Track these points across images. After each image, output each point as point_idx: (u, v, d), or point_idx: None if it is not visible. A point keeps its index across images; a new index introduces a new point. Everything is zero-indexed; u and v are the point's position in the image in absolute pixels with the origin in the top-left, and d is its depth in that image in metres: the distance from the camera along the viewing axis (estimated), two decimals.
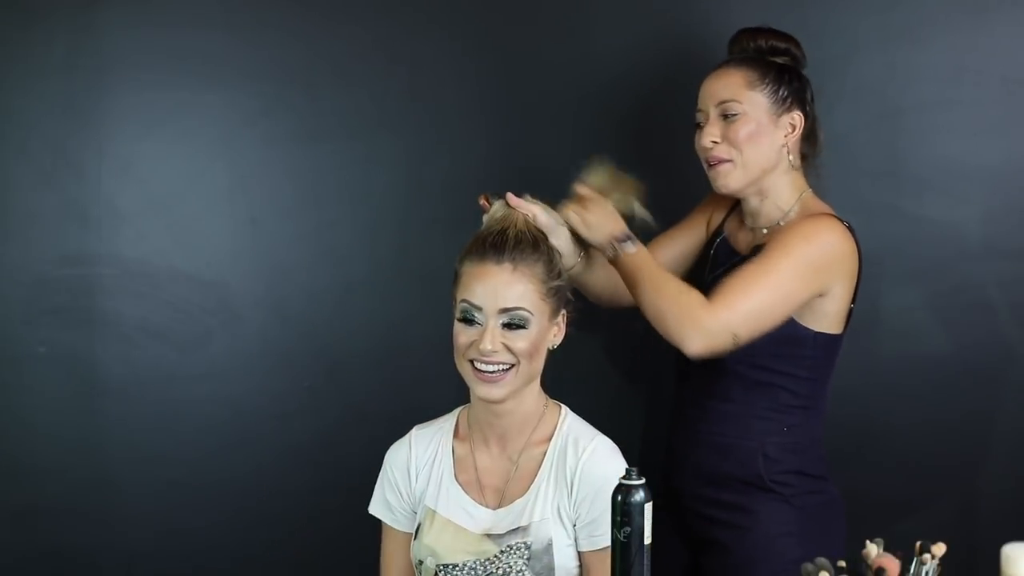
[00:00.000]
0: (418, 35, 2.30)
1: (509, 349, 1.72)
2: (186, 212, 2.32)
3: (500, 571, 1.74)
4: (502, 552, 1.75)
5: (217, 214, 2.34)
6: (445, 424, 1.89)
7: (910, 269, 2.29)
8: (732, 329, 1.82)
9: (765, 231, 1.98)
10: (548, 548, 1.74)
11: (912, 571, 1.42)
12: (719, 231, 2.09)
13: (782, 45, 1.99)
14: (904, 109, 2.27)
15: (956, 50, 2.26)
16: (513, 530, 1.76)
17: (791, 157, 1.97)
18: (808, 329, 1.92)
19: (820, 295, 1.90)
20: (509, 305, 1.72)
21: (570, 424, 1.82)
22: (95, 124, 2.29)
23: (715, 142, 1.94)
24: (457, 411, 1.90)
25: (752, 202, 2.00)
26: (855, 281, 1.95)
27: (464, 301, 1.74)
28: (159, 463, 2.33)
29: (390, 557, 1.90)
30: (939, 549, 1.42)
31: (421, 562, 1.81)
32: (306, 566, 2.38)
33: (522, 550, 1.74)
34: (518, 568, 1.74)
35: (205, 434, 2.34)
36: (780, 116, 1.95)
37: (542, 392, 1.84)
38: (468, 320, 1.74)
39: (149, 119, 2.30)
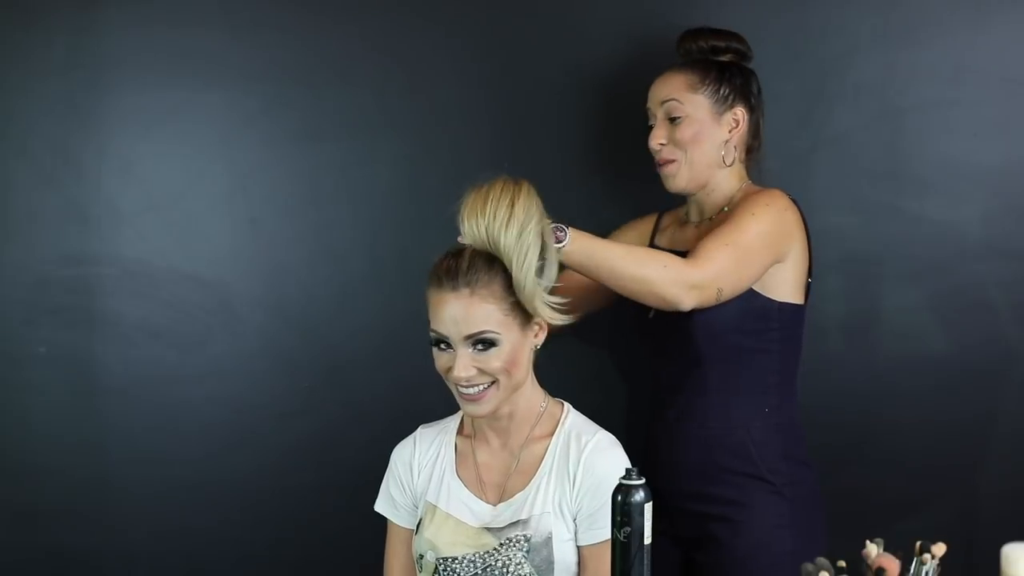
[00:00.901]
0: (418, 34, 2.30)
1: (484, 371, 1.74)
2: (186, 212, 2.32)
3: (500, 564, 1.75)
4: (501, 545, 1.76)
5: (217, 214, 2.34)
6: (450, 423, 1.93)
7: (910, 269, 2.29)
8: (718, 283, 1.88)
9: (708, 221, 2.04)
10: (547, 541, 1.75)
11: (912, 571, 1.42)
12: (654, 248, 2.12)
13: (722, 44, 2.05)
14: (904, 109, 2.27)
15: (956, 50, 2.26)
16: (513, 523, 1.77)
17: (736, 152, 2.04)
18: (772, 300, 1.97)
19: (779, 261, 1.96)
20: (473, 331, 1.72)
21: (572, 420, 1.84)
22: (95, 124, 2.29)
23: (662, 144, 2.02)
24: (462, 411, 1.91)
25: (697, 196, 2.06)
26: (808, 251, 2.02)
27: (433, 330, 1.76)
28: (159, 463, 2.34)
29: (393, 553, 1.92)
30: (939, 549, 1.42)
31: (422, 556, 1.83)
32: (306, 566, 2.38)
33: (521, 543, 1.75)
34: (517, 561, 1.75)
35: (205, 434, 2.34)
36: (722, 114, 2.01)
37: (539, 389, 1.85)
38: (440, 346, 1.76)
39: (149, 119, 2.30)
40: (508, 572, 1.74)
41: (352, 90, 2.31)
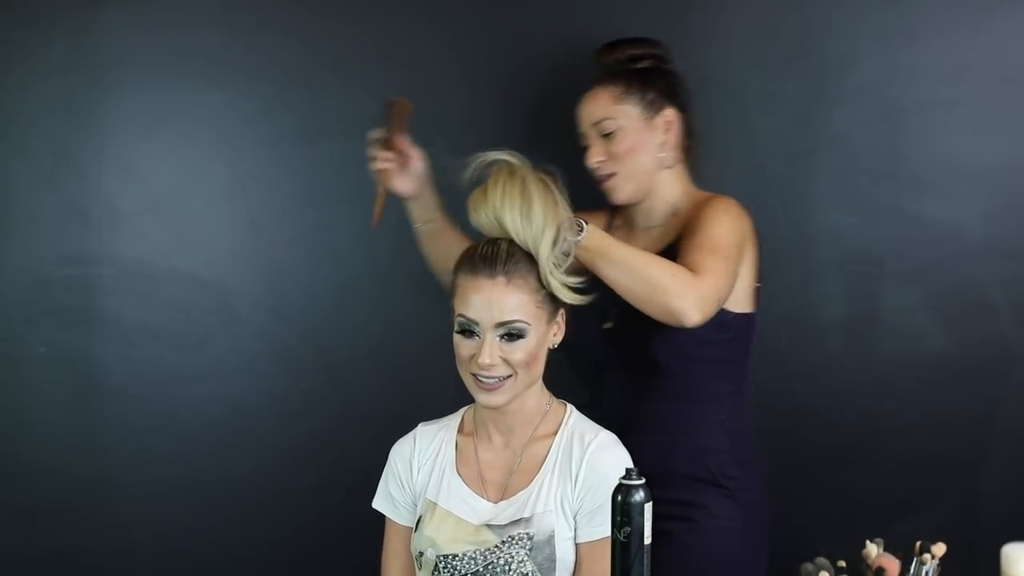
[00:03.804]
0: (418, 35, 2.31)
1: (507, 361, 1.74)
2: (186, 212, 2.32)
3: (502, 561, 1.75)
4: (503, 543, 1.76)
5: (217, 214, 2.34)
6: (451, 421, 1.92)
7: (910, 269, 2.29)
8: (718, 294, 1.85)
9: (658, 227, 2.03)
10: (550, 540, 1.75)
11: (912, 571, 1.42)
12: None
13: (639, 52, 2.04)
14: (904, 109, 2.27)
15: (956, 50, 2.25)
16: (515, 521, 1.77)
17: (674, 153, 2.02)
18: (728, 311, 1.95)
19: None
20: (505, 319, 1.73)
21: (575, 420, 1.85)
22: (95, 124, 2.29)
23: (600, 161, 2.01)
24: (463, 410, 1.92)
25: (644, 203, 2.05)
26: (757, 258, 2.00)
27: (461, 315, 1.75)
28: (159, 463, 2.34)
29: (392, 551, 1.92)
30: (939, 549, 1.43)
31: (421, 553, 1.82)
32: (306, 566, 2.38)
33: (524, 541, 1.75)
34: (520, 559, 1.75)
35: (205, 434, 2.35)
36: (653, 119, 2.01)
37: (544, 389, 1.86)
38: (466, 333, 1.75)
39: (149, 119, 2.30)
40: (510, 569, 1.75)
41: (351, 91, 2.31)
